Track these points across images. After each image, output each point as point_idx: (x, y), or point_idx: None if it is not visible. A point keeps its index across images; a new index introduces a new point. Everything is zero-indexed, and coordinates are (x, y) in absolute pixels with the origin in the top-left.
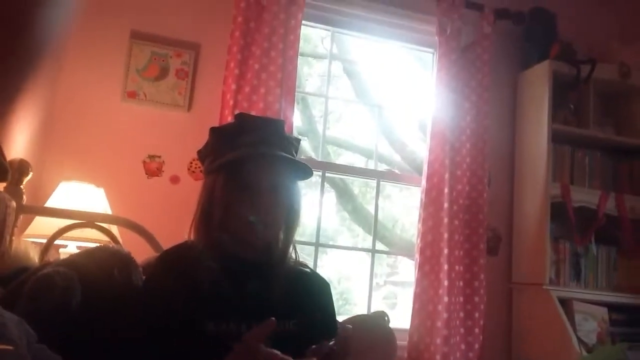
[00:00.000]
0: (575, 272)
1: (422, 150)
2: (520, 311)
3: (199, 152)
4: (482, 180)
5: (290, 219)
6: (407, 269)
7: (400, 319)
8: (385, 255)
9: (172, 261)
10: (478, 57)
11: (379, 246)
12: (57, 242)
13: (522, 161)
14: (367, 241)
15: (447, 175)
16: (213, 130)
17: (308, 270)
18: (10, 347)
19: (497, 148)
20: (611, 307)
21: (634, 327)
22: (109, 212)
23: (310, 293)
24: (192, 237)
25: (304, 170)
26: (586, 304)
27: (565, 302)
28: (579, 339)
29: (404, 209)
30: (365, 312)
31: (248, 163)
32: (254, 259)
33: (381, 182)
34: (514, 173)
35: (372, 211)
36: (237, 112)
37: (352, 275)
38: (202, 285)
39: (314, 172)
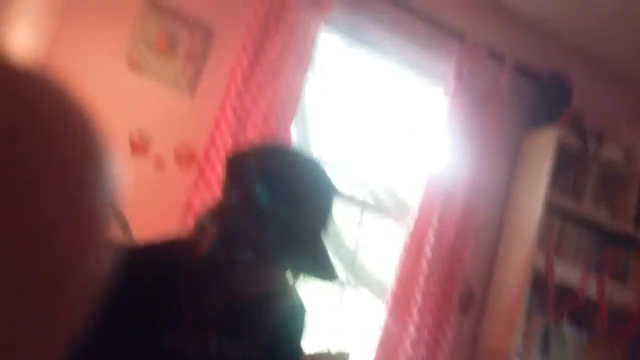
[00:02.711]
0: (543, 350)
1: (405, 188)
2: None
3: (230, 160)
4: (467, 235)
5: None
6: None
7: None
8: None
9: (152, 262)
10: (490, 108)
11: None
12: None
13: (512, 224)
14: None
15: (435, 223)
16: (263, 172)
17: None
18: None
19: (489, 203)
20: None
21: None
22: None
23: (287, 322)
24: (194, 235)
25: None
26: None
27: None
28: None
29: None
30: (316, 339)
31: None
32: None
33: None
34: (500, 233)
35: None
36: (266, 143)
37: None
38: (181, 296)
39: None
